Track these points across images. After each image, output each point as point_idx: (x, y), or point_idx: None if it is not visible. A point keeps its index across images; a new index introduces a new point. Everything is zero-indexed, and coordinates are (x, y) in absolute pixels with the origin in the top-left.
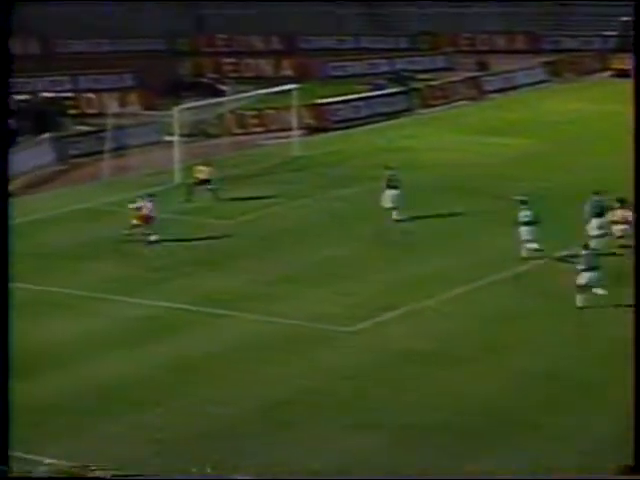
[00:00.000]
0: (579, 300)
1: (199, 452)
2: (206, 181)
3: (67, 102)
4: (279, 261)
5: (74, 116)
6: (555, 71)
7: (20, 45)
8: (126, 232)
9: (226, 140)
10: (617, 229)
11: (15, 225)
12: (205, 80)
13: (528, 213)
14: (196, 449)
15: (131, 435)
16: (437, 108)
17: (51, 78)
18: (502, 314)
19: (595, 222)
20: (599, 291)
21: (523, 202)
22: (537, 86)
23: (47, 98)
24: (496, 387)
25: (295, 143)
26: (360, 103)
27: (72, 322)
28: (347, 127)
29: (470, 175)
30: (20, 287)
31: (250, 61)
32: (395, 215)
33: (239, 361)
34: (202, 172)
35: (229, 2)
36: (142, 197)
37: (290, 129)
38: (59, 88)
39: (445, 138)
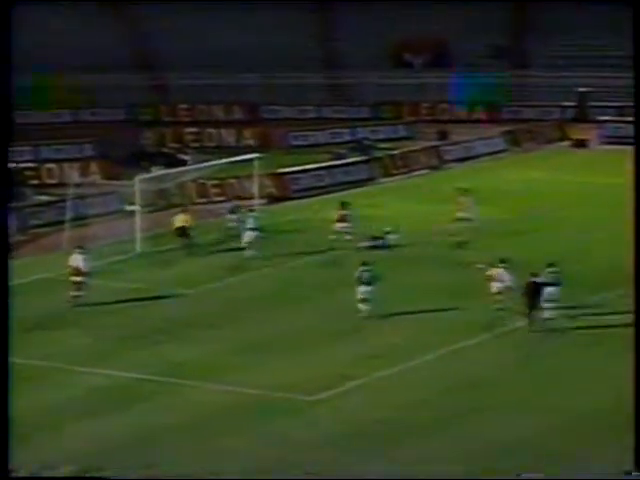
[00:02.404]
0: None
1: None
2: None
3: (28, 172)
4: (241, 330)
5: (35, 186)
6: (514, 140)
7: None
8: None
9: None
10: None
11: None
12: (166, 150)
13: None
14: None
15: None
16: (398, 177)
17: (12, 149)
18: (465, 382)
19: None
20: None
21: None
22: (496, 155)
23: None
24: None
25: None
26: (321, 172)
27: (36, 394)
28: (309, 196)
29: (431, 244)
30: None
31: (212, 130)
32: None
33: (203, 432)
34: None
35: (190, 72)
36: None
37: (252, 198)
38: (20, 158)
39: (405, 207)
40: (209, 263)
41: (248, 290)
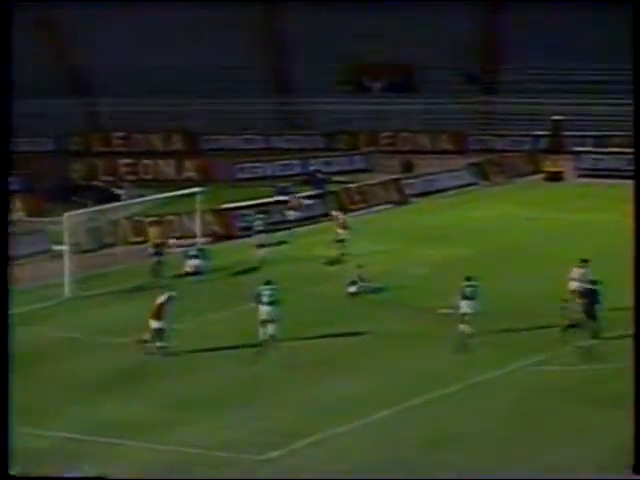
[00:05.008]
0: (262, 334)
1: None
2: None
3: None
4: (182, 384)
5: None
6: (482, 173)
7: None
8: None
9: (122, 249)
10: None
11: None
12: (98, 183)
13: None
14: None
15: None
16: (355, 213)
17: None
18: (424, 438)
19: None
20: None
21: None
22: (463, 189)
23: None
24: None
25: None
26: (270, 208)
27: None
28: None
29: (390, 287)
30: None
31: (149, 162)
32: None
33: None
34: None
35: (125, 97)
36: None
37: (194, 236)
38: None
39: (363, 246)
40: (145, 307)
41: (190, 339)
